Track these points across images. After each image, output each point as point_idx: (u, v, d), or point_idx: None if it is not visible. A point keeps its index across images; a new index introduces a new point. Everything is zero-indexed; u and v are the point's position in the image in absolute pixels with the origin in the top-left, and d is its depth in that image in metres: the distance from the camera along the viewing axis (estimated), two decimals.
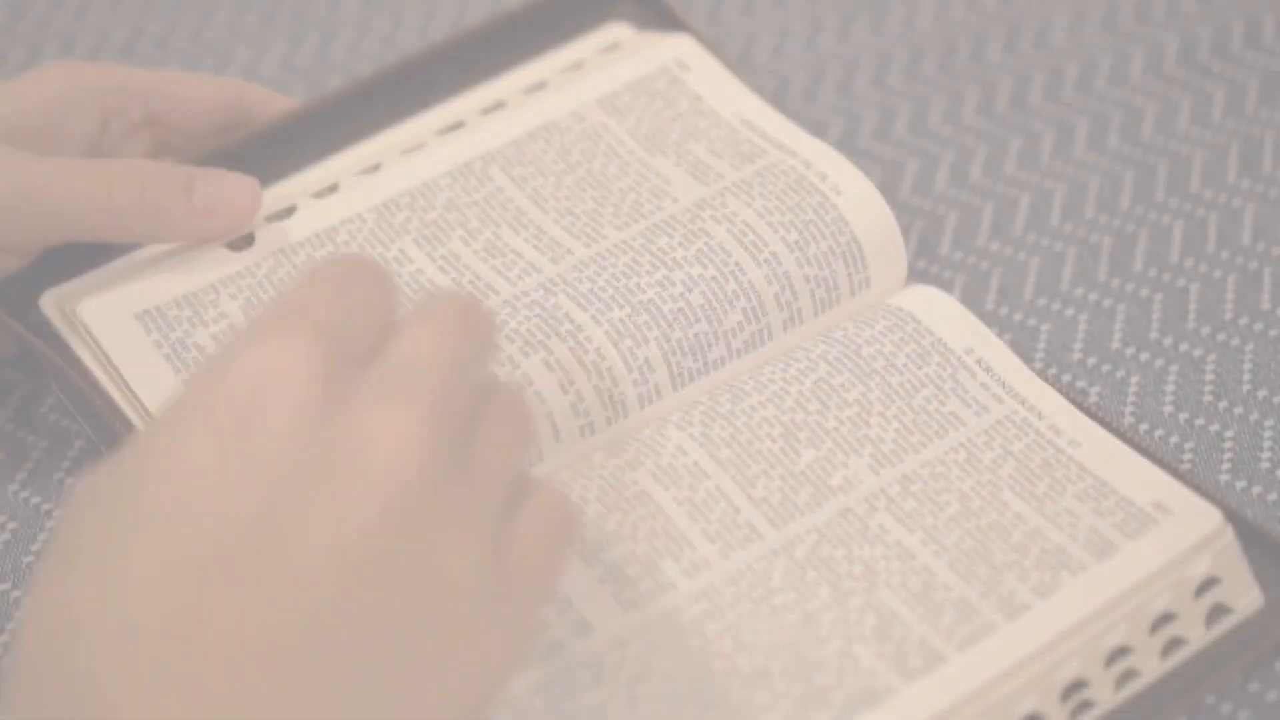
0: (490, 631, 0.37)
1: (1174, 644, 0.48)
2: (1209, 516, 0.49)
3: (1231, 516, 0.49)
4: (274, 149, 0.58)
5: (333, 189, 0.57)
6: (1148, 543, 0.48)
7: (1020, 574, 0.47)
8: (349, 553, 0.35)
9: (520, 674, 0.45)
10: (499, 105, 0.60)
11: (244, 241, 0.55)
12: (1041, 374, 0.53)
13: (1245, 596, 0.49)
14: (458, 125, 0.59)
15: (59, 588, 0.36)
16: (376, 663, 0.35)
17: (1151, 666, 0.47)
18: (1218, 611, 0.48)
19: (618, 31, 0.62)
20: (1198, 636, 0.48)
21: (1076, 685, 0.47)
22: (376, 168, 0.57)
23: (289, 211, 0.56)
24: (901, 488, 0.50)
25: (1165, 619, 0.48)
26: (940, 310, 0.54)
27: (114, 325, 0.52)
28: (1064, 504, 0.49)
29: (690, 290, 0.53)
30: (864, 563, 0.48)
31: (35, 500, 0.55)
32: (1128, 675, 0.47)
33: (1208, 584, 0.48)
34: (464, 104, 0.60)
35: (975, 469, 0.50)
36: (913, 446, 0.51)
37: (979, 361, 0.53)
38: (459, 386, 0.38)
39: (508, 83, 0.61)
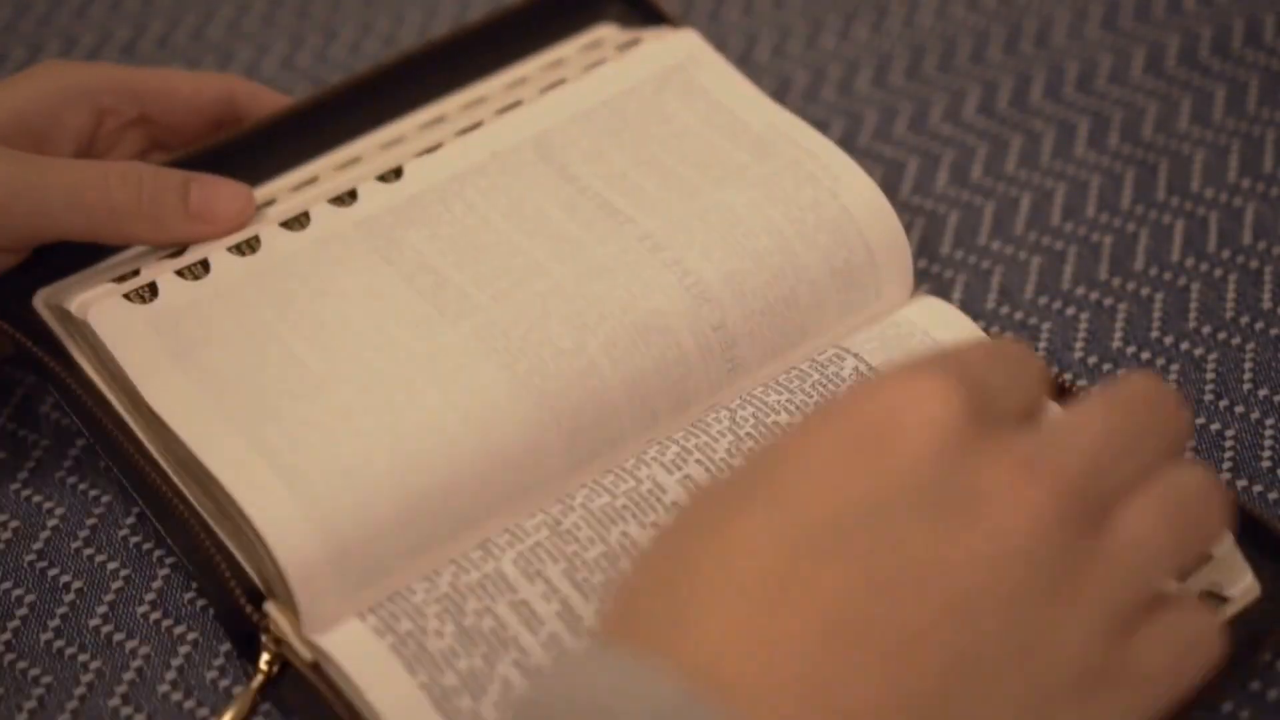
0: (1071, 715, 0.37)
1: None
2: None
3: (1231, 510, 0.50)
4: (267, 147, 0.58)
5: (353, 195, 0.56)
6: None
7: None
8: (947, 588, 0.36)
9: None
10: (481, 101, 0.59)
11: (248, 246, 0.54)
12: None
13: (1240, 583, 0.49)
14: (439, 120, 0.59)
15: (678, 535, 0.38)
16: (944, 698, 0.36)
17: None
18: (1212, 600, 0.48)
19: (603, 32, 0.62)
20: None
21: None
22: (357, 160, 0.57)
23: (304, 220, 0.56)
24: None
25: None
26: (948, 323, 0.54)
27: (126, 332, 0.52)
28: None
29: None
30: None
31: (37, 499, 0.55)
32: None
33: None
34: (450, 104, 0.60)
35: None
36: None
37: None
38: (1110, 468, 0.38)
39: (494, 83, 0.61)
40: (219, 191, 0.54)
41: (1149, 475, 0.39)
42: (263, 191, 0.57)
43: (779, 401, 0.52)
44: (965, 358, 0.39)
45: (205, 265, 0.53)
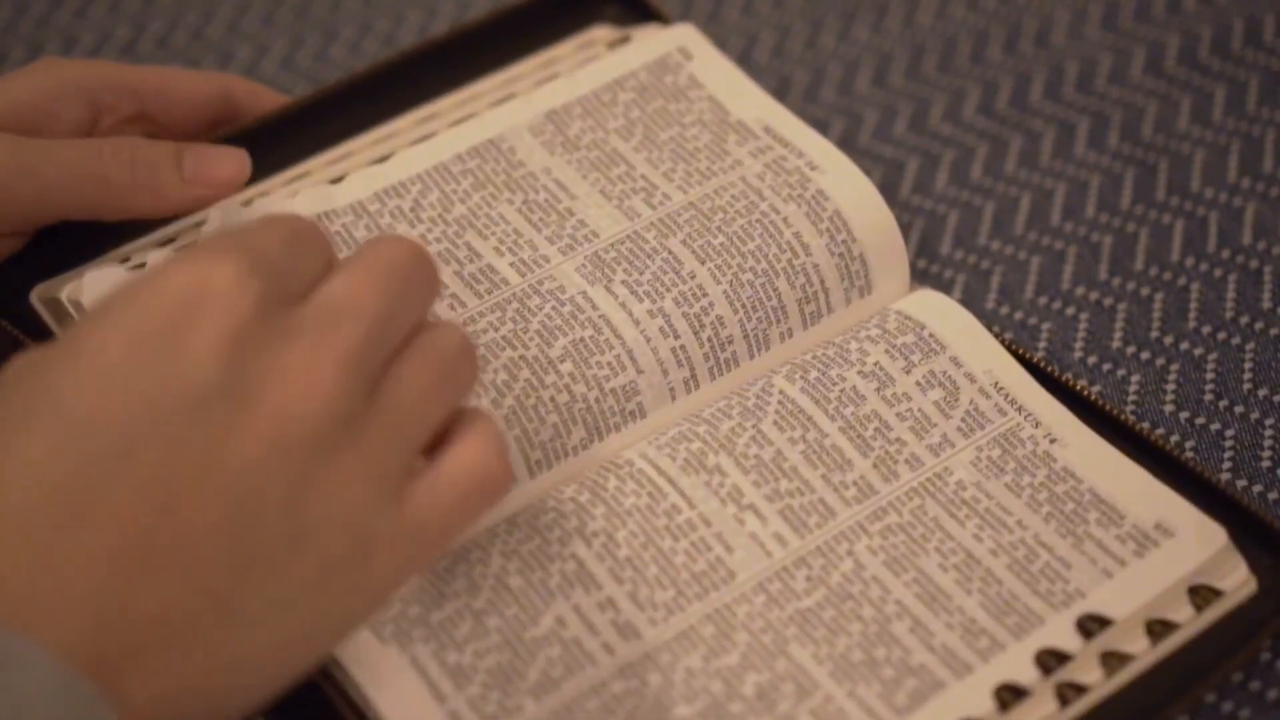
0: (359, 579, 0.39)
1: (1163, 628, 0.48)
2: (1214, 536, 0.49)
3: (1227, 504, 0.50)
4: (264, 146, 0.58)
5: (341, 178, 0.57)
6: (1155, 560, 0.48)
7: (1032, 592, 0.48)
8: (235, 482, 0.37)
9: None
10: (475, 98, 0.60)
11: None
12: (1043, 371, 0.53)
13: (1232, 577, 0.49)
14: (432, 117, 0.59)
15: None
16: (242, 587, 0.37)
17: (1139, 647, 0.47)
18: (1206, 593, 0.48)
19: (598, 33, 0.62)
20: (1186, 618, 0.48)
21: (1056, 655, 0.47)
22: (348, 156, 0.58)
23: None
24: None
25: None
26: (947, 318, 0.54)
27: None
28: (1075, 527, 0.49)
29: (707, 293, 0.53)
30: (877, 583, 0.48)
31: None
32: (1116, 657, 0.47)
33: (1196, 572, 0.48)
34: (445, 103, 0.60)
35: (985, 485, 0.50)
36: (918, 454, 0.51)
37: (987, 374, 0.53)
38: (386, 332, 0.40)
39: (489, 82, 0.61)
40: (212, 155, 0.54)
41: (412, 335, 0.41)
42: (258, 189, 0.57)
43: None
44: (256, 238, 0.40)
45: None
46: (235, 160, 0.55)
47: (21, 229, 0.54)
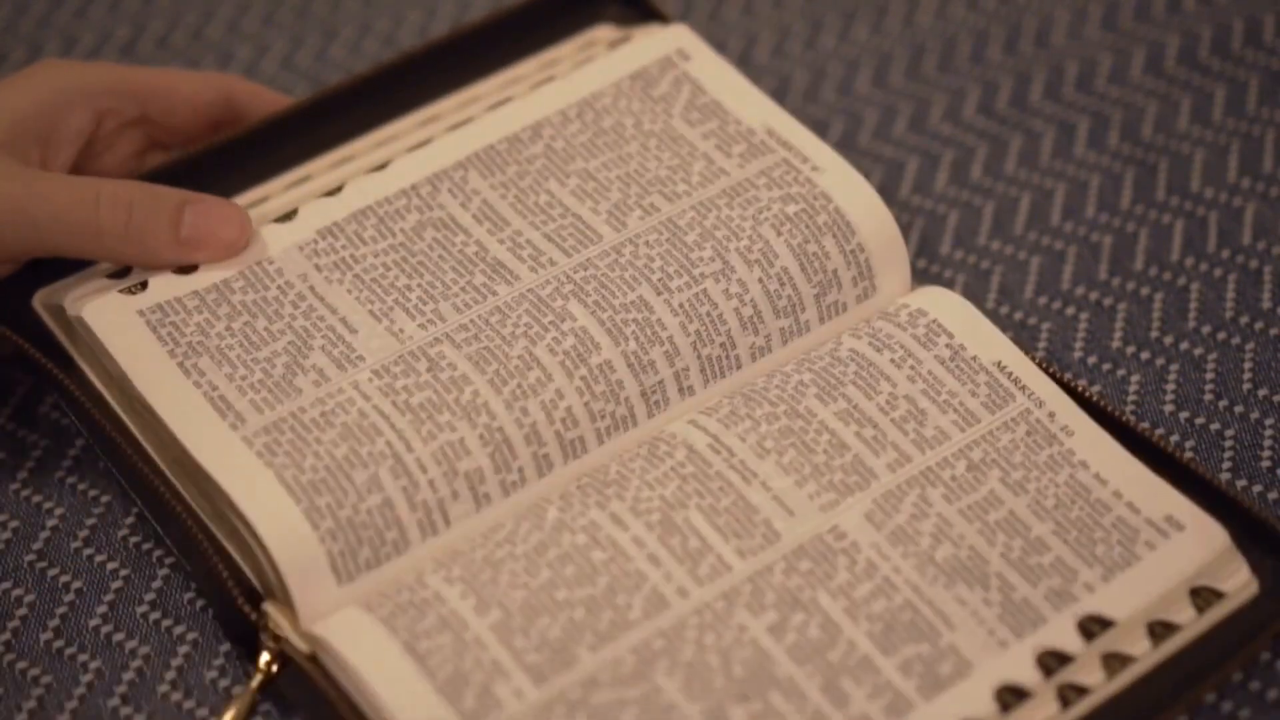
0: None
1: (1165, 629, 0.48)
2: (1216, 538, 0.49)
3: (1229, 506, 0.50)
4: (266, 148, 0.58)
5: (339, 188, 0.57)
6: (1156, 560, 0.48)
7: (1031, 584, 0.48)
8: None
9: None
10: (474, 100, 0.60)
11: None
12: (1047, 369, 0.53)
13: (1234, 579, 0.49)
14: (433, 119, 0.59)
15: None
16: None
17: (1141, 648, 0.47)
18: (1208, 595, 0.48)
19: (599, 32, 0.62)
20: (1187, 620, 0.48)
21: (1057, 656, 0.47)
22: (349, 159, 0.58)
23: (291, 215, 0.56)
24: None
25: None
26: (954, 312, 0.54)
27: (118, 324, 0.52)
28: (1074, 515, 0.49)
29: (700, 300, 0.53)
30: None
31: (36, 499, 0.55)
32: (1117, 658, 0.47)
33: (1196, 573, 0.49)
34: (446, 104, 0.60)
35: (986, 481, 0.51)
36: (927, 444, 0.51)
37: (997, 364, 0.53)
38: None
39: (490, 84, 0.61)
40: (212, 215, 0.53)
41: None
42: (258, 191, 0.57)
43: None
44: None
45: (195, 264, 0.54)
46: (236, 224, 0.54)
47: (10, 260, 0.54)
